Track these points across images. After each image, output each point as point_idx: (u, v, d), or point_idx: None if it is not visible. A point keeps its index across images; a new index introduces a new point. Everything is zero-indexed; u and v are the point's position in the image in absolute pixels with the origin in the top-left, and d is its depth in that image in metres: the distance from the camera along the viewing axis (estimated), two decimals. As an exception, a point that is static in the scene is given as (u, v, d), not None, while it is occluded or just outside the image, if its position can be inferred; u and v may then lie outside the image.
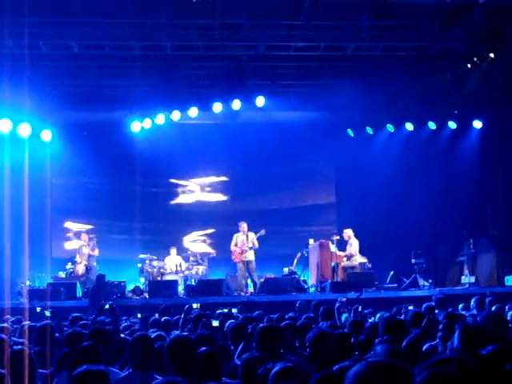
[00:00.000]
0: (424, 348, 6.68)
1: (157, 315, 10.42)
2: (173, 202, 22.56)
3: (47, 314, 10.87)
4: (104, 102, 19.56)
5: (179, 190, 22.68)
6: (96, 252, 18.45)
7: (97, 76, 18.46)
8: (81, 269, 18.19)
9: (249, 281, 17.88)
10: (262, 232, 17.81)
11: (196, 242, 22.19)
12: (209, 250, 21.48)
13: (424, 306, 9.94)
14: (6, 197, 18.34)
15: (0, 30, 15.04)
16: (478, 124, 19.53)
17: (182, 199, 22.66)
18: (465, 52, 16.62)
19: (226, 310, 10.53)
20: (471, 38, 16.02)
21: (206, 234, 22.31)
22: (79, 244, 18.71)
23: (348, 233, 18.42)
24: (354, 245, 18.19)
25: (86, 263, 18.26)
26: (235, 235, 17.98)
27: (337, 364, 4.21)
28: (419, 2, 14.74)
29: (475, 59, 16.68)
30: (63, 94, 19.36)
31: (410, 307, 10.58)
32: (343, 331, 7.37)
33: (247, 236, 17.77)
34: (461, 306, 11.21)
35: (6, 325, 8.69)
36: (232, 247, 17.90)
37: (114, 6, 15.02)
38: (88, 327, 8.32)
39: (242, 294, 16.99)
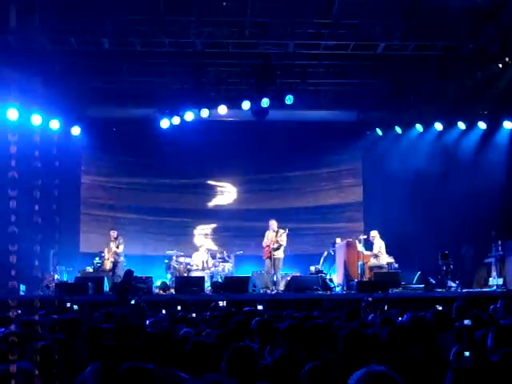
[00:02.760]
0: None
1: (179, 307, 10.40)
2: (204, 201, 22.69)
3: (75, 307, 11.00)
4: (133, 99, 19.64)
5: (210, 188, 22.77)
6: (120, 249, 18.56)
7: (127, 72, 18.57)
8: (108, 264, 18.36)
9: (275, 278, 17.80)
10: (285, 230, 17.79)
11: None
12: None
13: (454, 305, 9.80)
14: (36, 192, 18.55)
15: (32, 27, 15.22)
16: (508, 124, 19.31)
17: (213, 198, 22.76)
18: (496, 52, 16.47)
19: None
20: (503, 37, 15.88)
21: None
22: (108, 241, 18.81)
23: (373, 234, 18.39)
24: (379, 245, 18.15)
25: (113, 259, 18.40)
26: (266, 232, 17.98)
27: (368, 364, 4.21)
28: (451, 2, 14.62)
29: (507, 59, 16.54)
30: (93, 90, 19.50)
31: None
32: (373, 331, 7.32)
33: (276, 233, 17.75)
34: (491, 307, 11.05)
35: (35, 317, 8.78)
36: (263, 244, 17.93)
37: (144, 3, 15.11)
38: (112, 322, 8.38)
39: (268, 291, 16.99)
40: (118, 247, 18.51)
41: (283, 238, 17.64)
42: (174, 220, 22.19)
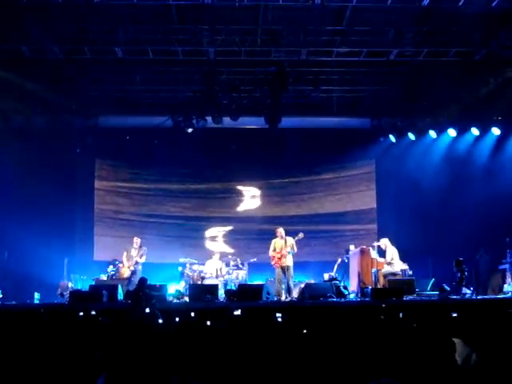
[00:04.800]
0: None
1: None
2: (218, 206, 22.79)
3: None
4: (146, 107, 19.75)
5: (224, 194, 22.84)
6: (143, 259, 18.42)
7: (140, 81, 18.67)
8: (126, 272, 18.26)
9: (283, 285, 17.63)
10: (300, 235, 17.58)
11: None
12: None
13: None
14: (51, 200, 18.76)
15: (46, 37, 15.32)
16: (522, 130, 19.28)
17: (226, 203, 22.84)
18: (509, 57, 16.44)
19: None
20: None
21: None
22: (129, 247, 18.71)
23: (384, 242, 18.29)
24: (391, 252, 18.07)
25: (133, 268, 18.30)
26: (273, 241, 17.77)
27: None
28: (463, 8, 14.59)
29: (520, 65, 16.53)
30: (106, 98, 19.61)
31: None
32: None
33: (285, 241, 17.58)
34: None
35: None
36: (270, 253, 17.70)
37: (157, 11, 15.18)
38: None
39: (282, 298, 16.94)
40: (141, 257, 18.39)
41: (294, 246, 17.48)
42: (189, 226, 22.33)
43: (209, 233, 22.57)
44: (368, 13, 15.05)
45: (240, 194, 22.82)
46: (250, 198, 22.81)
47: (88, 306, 13.48)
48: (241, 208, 22.81)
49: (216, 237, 22.56)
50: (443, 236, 19.58)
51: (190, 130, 18.89)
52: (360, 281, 17.86)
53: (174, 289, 17.83)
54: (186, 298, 16.77)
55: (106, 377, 4.79)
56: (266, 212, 22.58)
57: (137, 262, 18.33)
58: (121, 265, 18.54)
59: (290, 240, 17.45)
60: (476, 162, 19.94)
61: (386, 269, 17.88)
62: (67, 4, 14.30)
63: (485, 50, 16.20)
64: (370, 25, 15.63)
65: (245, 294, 16.11)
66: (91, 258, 21.13)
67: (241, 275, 19.13)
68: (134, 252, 18.44)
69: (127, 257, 18.44)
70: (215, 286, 16.95)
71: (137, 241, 18.61)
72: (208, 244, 22.36)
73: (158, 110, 19.47)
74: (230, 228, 22.58)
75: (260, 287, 16.39)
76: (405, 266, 18.08)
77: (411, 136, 20.50)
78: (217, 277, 18.69)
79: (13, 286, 17.39)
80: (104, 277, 18.61)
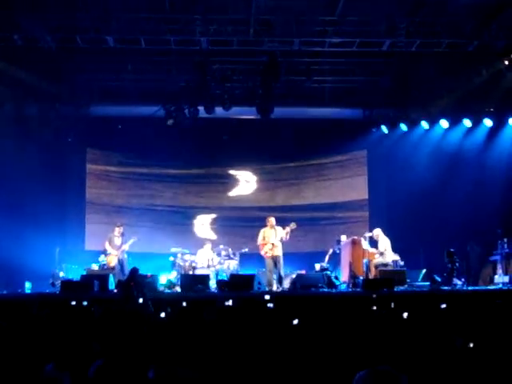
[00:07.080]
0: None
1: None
2: (208, 194, 22.83)
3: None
4: (138, 96, 19.69)
5: (212, 180, 22.89)
6: (127, 247, 18.44)
7: (132, 70, 18.60)
8: (113, 260, 18.26)
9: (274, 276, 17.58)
10: (293, 225, 17.58)
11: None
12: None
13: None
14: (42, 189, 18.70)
15: (37, 25, 15.24)
16: (514, 121, 19.31)
17: (215, 192, 22.87)
18: (501, 49, 16.45)
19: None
20: (508, 34, 15.85)
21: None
22: (111, 235, 18.68)
23: (377, 232, 18.31)
24: (384, 242, 18.10)
25: (120, 256, 18.31)
26: (262, 230, 17.71)
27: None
28: (456, -1, 14.61)
29: (512, 56, 16.53)
30: (98, 87, 19.57)
31: None
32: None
33: (275, 231, 17.53)
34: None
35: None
36: (259, 241, 17.66)
37: (149, 0, 15.11)
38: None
39: (273, 289, 16.94)
40: (124, 244, 18.39)
41: (283, 235, 17.39)
42: (180, 214, 22.36)
43: (200, 220, 22.61)
44: (361, 3, 15.03)
45: (233, 178, 22.86)
46: (244, 182, 22.86)
47: (79, 296, 13.45)
48: (234, 193, 22.83)
49: (209, 223, 22.62)
50: (435, 227, 19.62)
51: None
52: (351, 271, 17.88)
53: (166, 279, 17.84)
54: (178, 288, 16.79)
55: (102, 365, 4.78)
56: (258, 199, 22.60)
57: (122, 249, 18.36)
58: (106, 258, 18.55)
59: (281, 230, 17.41)
60: (468, 153, 19.95)
61: (378, 259, 17.91)
62: (59, -8, 14.25)
63: (477, 41, 16.17)
64: (362, 15, 15.61)
65: (236, 283, 16.12)
66: (83, 248, 21.11)
67: (232, 265, 19.14)
68: (117, 241, 18.44)
69: (111, 246, 18.42)
70: (207, 276, 16.96)
71: (119, 229, 18.62)
72: (199, 232, 22.38)
73: (149, 99, 19.42)
74: (221, 215, 22.62)
75: (251, 277, 16.41)
76: (396, 257, 18.11)
77: (403, 127, 20.53)
78: (208, 267, 18.67)
79: (4, 275, 17.34)
80: (95, 266, 18.61)
